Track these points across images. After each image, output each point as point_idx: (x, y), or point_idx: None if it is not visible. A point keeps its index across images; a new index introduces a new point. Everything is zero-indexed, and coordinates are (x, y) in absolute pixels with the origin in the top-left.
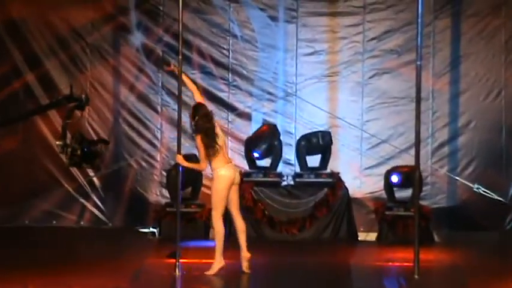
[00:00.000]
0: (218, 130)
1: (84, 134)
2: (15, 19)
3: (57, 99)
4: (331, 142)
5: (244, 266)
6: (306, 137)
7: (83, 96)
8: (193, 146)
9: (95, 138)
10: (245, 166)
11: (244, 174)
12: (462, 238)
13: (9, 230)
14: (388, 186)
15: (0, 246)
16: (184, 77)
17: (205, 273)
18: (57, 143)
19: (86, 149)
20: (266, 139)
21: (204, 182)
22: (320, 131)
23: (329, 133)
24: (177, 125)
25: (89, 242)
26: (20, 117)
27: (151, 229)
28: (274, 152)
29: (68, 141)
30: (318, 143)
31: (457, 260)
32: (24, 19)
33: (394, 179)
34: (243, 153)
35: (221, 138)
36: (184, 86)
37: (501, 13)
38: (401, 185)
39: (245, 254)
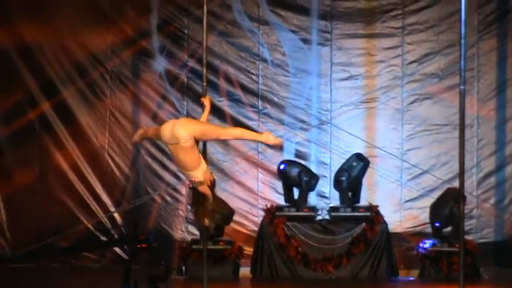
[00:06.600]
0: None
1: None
2: (29, 43)
3: (121, 237)
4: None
5: None
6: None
7: (150, 234)
8: (220, 178)
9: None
10: (276, 200)
11: (276, 209)
12: (511, 275)
13: (26, 270)
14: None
15: None
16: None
17: None
18: None
19: None
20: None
21: (234, 217)
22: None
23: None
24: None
25: (110, 282)
26: (72, 250)
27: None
28: (301, 184)
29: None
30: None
31: None
32: (38, 44)
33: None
34: (274, 186)
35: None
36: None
37: None
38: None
39: None
